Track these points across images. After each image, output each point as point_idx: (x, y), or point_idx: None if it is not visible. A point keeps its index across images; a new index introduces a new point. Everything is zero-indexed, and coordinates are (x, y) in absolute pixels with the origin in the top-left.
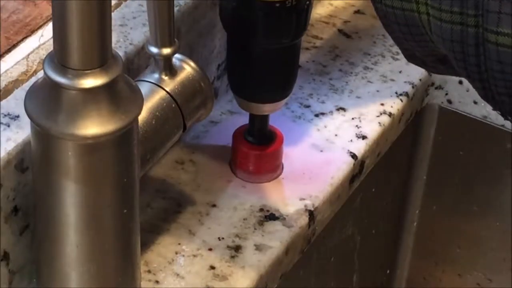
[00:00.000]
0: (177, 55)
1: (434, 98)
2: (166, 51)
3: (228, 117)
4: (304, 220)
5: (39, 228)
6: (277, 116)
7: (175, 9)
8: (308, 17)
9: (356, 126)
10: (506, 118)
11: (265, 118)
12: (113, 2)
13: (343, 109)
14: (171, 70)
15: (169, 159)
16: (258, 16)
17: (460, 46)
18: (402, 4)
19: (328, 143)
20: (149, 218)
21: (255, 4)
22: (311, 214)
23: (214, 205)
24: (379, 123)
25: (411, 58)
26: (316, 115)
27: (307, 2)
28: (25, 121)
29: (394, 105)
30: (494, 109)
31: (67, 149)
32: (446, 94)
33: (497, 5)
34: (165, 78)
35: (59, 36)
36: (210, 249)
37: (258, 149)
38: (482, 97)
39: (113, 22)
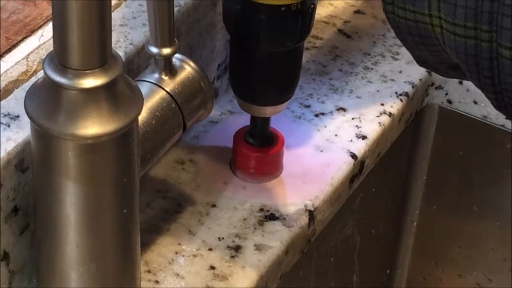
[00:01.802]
0: (177, 55)
1: (434, 98)
2: (166, 51)
3: (228, 117)
4: (304, 220)
5: (39, 228)
6: (277, 116)
7: (175, 9)
8: (312, 20)
9: (356, 126)
10: None
11: (266, 120)
12: (113, 2)
13: (343, 109)
14: (171, 70)
15: (169, 159)
16: (263, 20)
17: (474, 60)
18: (416, 17)
19: (328, 143)
20: (149, 218)
21: (260, 7)
22: (311, 214)
23: (214, 205)
24: (379, 123)
25: (423, 63)
26: (316, 115)
27: (312, 6)
28: (25, 121)
29: (394, 105)
30: (507, 118)
31: (67, 149)
32: (446, 94)
33: (510, 22)
34: (165, 78)
35: (59, 36)
36: (210, 249)
37: (259, 151)
38: (495, 107)
39: (113, 22)
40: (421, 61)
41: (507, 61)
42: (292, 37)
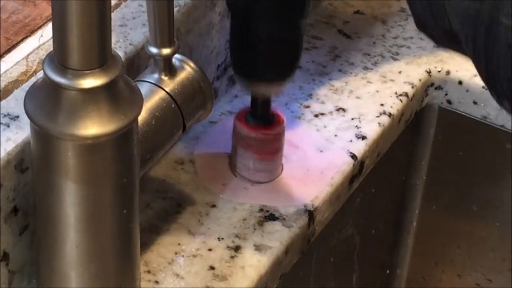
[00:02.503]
0: (176, 55)
1: (434, 99)
2: (166, 51)
3: (227, 118)
4: (303, 220)
5: (39, 228)
6: None
7: (175, 9)
8: None
9: (356, 126)
10: (500, 104)
11: (267, 102)
12: (113, 2)
13: (343, 109)
14: (170, 70)
15: (169, 159)
16: None
17: (473, 24)
18: None
19: (328, 143)
20: (149, 218)
21: None
22: (311, 214)
23: (213, 205)
24: (379, 123)
25: (421, 27)
26: (316, 116)
27: None
28: (25, 121)
29: (394, 106)
30: (491, 92)
31: (67, 149)
32: (446, 94)
33: None
34: (165, 78)
35: (59, 36)
36: (210, 249)
37: (260, 130)
38: (483, 79)
39: (113, 22)
40: (420, 24)
41: (504, 30)
42: (302, 12)
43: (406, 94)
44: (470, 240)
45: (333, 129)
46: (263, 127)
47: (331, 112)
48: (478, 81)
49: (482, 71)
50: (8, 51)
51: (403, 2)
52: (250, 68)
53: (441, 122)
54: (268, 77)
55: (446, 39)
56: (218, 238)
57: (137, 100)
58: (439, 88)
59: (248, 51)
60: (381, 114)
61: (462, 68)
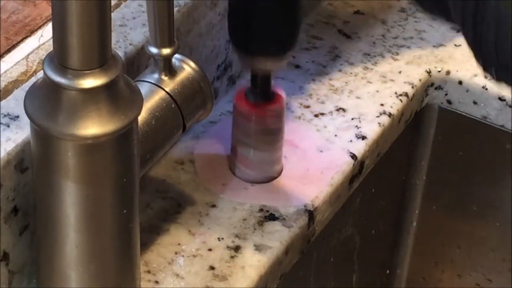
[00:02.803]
0: (177, 55)
1: (434, 99)
2: (166, 51)
3: (227, 118)
4: (303, 220)
5: (39, 228)
6: None
7: (175, 9)
8: None
9: (356, 126)
10: (486, 71)
11: (267, 78)
12: (113, 2)
13: (343, 109)
14: (170, 70)
15: (169, 159)
16: None
17: None
18: None
19: (328, 143)
20: (149, 218)
21: None
22: (311, 214)
23: (213, 205)
24: (379, 123)
25: None
26: (316, 116)
27: None
28: (25, 121)
29: (394, 106)
30: (478, 61)
31: (67, 149)
32: (446, 94)
33: None
34: (165, 78)
35: (59, 36)
36: (209, 249)
37: (260, 107)
38: (470, 44)
39: (113, 22)
40: None
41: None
42: None
43: (406, 94)
44: (470, 240)
45: (333, 129)
46: (263, 103)
47: (331, 112)
48: (478, 81)
49: (470, 37)
50: (8, 51)
51: (403, 2)
52: (249, 42)
53: (441, 122)
54: (267, 52)
55: (435, 6)
56: (218, 238)
57: (137, 100)
58: (439, 88)
59: (246, 25)
60: (381, 114)
61: (462, 68)
